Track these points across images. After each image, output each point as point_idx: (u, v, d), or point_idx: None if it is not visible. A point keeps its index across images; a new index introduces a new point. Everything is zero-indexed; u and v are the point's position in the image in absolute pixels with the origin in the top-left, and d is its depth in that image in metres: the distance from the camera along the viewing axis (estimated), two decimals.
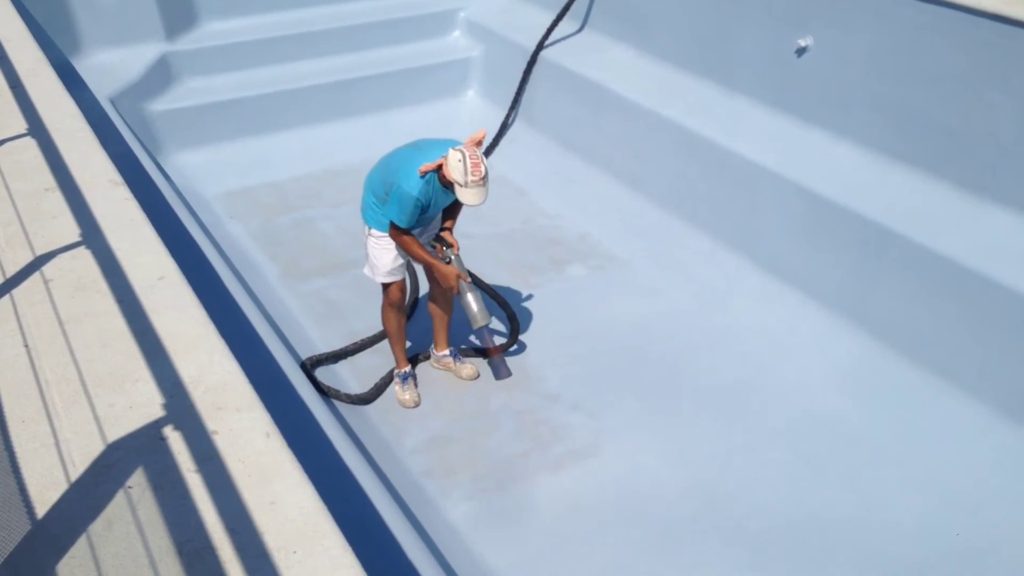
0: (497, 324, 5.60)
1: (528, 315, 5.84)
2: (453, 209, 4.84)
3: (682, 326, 5.74)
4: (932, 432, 4.79)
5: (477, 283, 5.00)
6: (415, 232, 4.70)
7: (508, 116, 8.03)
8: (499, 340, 5.32)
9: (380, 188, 4.63)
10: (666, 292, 6.07)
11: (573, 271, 6.37)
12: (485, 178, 4.33)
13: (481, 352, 5.43)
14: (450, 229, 4.85)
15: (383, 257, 4.80)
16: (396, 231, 4.61)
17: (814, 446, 4.80)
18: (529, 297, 6.01)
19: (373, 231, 4.77)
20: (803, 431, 4.89)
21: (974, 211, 5.06)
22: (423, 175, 4.42)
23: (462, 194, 4.35)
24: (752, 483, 4.61)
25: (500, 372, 5.06)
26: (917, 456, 4.67)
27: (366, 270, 4.96)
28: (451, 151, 4.33)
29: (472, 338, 5.48)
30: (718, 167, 6.26)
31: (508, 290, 6.04)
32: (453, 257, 4.78)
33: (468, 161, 4.28)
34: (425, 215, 4.62)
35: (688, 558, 4.24)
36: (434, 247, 4.84)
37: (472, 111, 8.41)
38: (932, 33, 5.14)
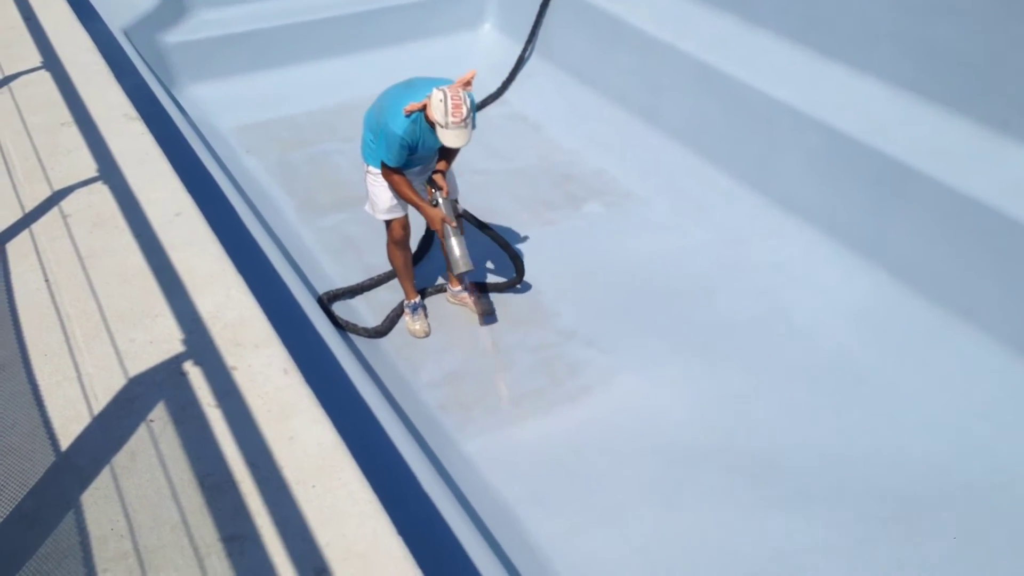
0: (502, 269, 5.58)
1: (543, 251, 5.83)
2: (448, 150, 4.80)
3: (698, 263, 5.72)
4: (949, 371, 4.78)
5: (476, 223, 4.98)
6: (413, 171, 4.68)
7: (524, 50, 7.93)
8: (493, 279, 5.34)
9: (375, 125, 4.62)
10: (682, 229, 6.04)
11: (589, 208, 6.35)
12: (467, 120, 4.26)
13: (495, 288, 5.46)
14: (443, 172, 4.81)
15: (382, 195, 4.81)
16: (387, 170, 4.60)
17: (829, 384, 4.81)
18: (545, 234, 6.00)
19: (371, 168, 4.77)
20: (818, 369, 4.90)
21: (999, 149, 4.98)
22: (408, 114, 4.37)
23: (443, 135, 4.30)
24: (766, 420, 4.63)
25: (480, 318, 5.13)
26: (933, 395, 4.67)
27: (367, 207, 4.97)
28: (434, 91, 4.28)
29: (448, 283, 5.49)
30: (736, 102, 6.17)
31: (523, 226, 6.03)
32: (441, 200, 4.76)
33: (449, 102, 4.21)
34: (415, 155, 4.59)
35: (701, 493, 4.28)
36: (427, 189, 4.83)
37: (488, 45, 8.30)
38: None
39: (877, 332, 5.07)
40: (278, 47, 7.85)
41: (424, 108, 4.34)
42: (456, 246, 4.78)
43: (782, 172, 5.93)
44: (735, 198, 6.14)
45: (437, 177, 4.80)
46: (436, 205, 4.76)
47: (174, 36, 7.59)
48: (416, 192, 4.71)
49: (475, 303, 5.33)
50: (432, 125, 4.37)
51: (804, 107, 5.74)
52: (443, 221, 4.71)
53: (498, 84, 7.73)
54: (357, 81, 7.69)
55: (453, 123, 4.24)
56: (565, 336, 5.20)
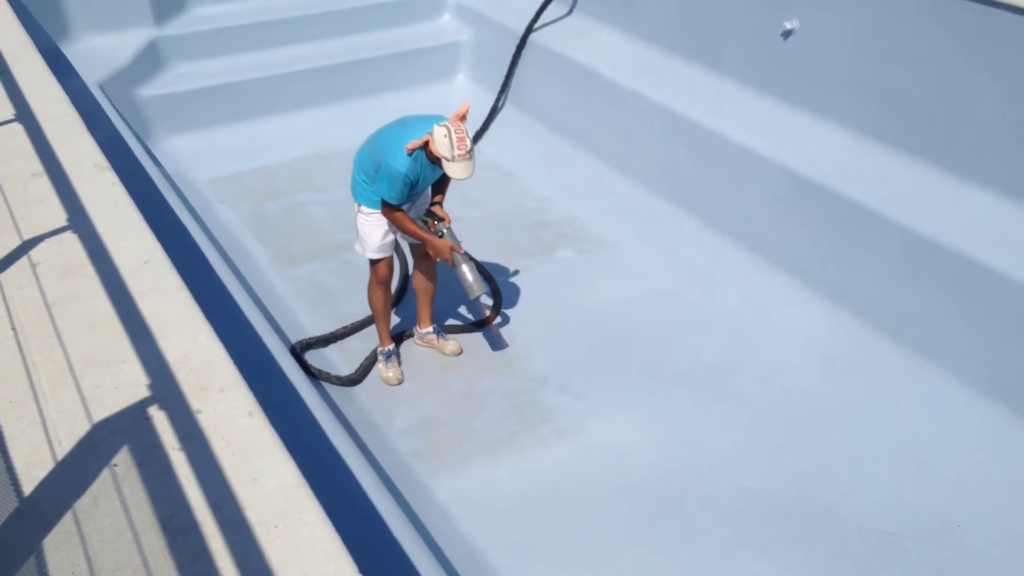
0: (485, 299, 5.65)
1: (516, 298, 5.88)
2: (441, 184, 4.93)
3: (668, 307, 5.79)
4: (913, 409, 4.85)
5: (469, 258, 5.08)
6: (405, 208, 4.77)
7: (498, 100, 8.06)
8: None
9: (369, 166, 4.71)
10: (652, 274, 6.11)
11: (561, 254, 6.41)
12: (471, 152, 4.41)
13: (472, 326, 5.51)
14: (440, 203, 4.94)
15: (373, 234, 4.88)
16: (388, 208, 4.68)
17: (797, 424, 4.85)
18: (517, 280, 6.05)
19: (363, 208, 4.85)
20: (787, 410, 4.95)
21: (956, 192, 5.10)
22: (410, 152, 4.49)
23: (450, 168, 4.42)
24: (737, 462, 4.66)
25: (497, 343, 5.17)
26: (898, 433, 4.73)
27: (357, 246, 5.05)
28: (436, 127, 4.41)
29: (463, 311, 5.52)
30: (704, 149, 6.29)
31: (496, 273, 6.08)
32: (445, 231, 4.88)
33: (454, 136, 4.35)
34: (414, 191, 4.70)
35: (673, 536, 4.29)
36: (425, 222, 4.92)
37: (462, 95, 8.42)
38: (916, 15, 5.18)
39: (843, 372, 5.14)
40: (254, 99, 7.94)
41: (426, 144, 4.46)
42: (468, 272, 4.89)
43: (749, 217, 6.03)
44: (703, 242, 6.23)
45: (437, 209, 4.93)
46: (441, 236, 4.87)
47: (149, 89, 7.66)
48: (419, 225, 4.81)
49: (441, 344, 5.38)
50: (434, 160, 4.50)
51: (769, 153, 5.86)
52: (452, 250, 4.82)
53: (472, 133, 7.81)
54: (332, 132, 7.80)
55: (459, 155, 4.38)
56: (538, 382, 5.23)
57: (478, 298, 4.97)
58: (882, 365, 5.10)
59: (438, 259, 4.90)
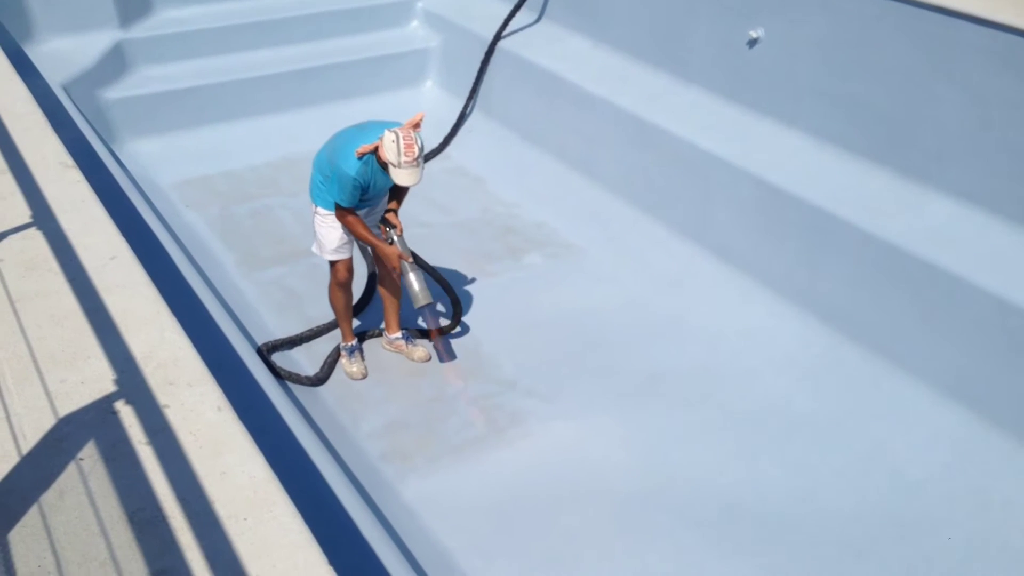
0: (442, 308, 5.66)
1: (485, 303, 5.89)
2: (397, 191, 4.93)
3: (636, 313, 5.82)
4: (879, 414, 4.90)
5: (420, 265, 5.07)
6: (361, 212, 4.77)
7: (466, 106, 8.07)
8: (443, 322, 5.42)
9: (326, 167, 4.72)
10: (621, 280, 6.14)
11: (530, 259, 6.43)
12: (418, 159, 4.42)
13: (425, 334, 5.49)
14: (395, 211, 4.94)
15: (329, 235, 4.87)
16: (341, 211, 4.69)
17: (764, 429, 4.89)
18: (486, 285, 6.06)
19: (320, 209, 4.84)
20: (753, 414, 4.98)
21: (919, 199, 5.19)
22: (360, 156, 4.50)
23: (395, 174, 4.44)
24: (704, 465, 4.68)
25: (442, 356, 5.18)
26: (864, 437, 4.78)
27: (314, 247, 5.04)
28: (386, 132, 4.43)
29: (420, 320, 5.53)
30: (671, 156, 6.35)
31: (465, 278, 6.09)
32: (396, 238, 4.89)
33: (401, 142, 4.37)
34: (367, 195, 4.70)
35: (640, 538, 4.30)
36: (380, 228, 4.91)
37: (430, 101, 8.43)
38: (879, 25, 5.27)
39: (810, 377, 5.19)
40: (221, 103, 7.89)
41: (376, 150, 4.46)
42: (415, 280, 4.89)
43: (716, 222, 6.08)
44: (671, 248, 6.28)
45: (391, 216, 4.92)
46: (392, 243, 4.88)
47: (115, 92, 7.59)
48: (371, 231, 4.79)
49: (409, 350, 5.37)
50: (384, 166, 4.50)
51: (736, 160, 5.92)
52: (400, 258, 4.82)
53: (440, 139, 7.84)
54: (301, 136, 7.73)
55: (406, 162, 4.38)
56: (506, 386, 5.23)
57: (423, 308, 4.96)
58: (848, 370, 5.16)
59: (389, 267, 4.90)
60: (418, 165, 4.44)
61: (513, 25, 7.89)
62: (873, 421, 4.87)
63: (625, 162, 6.76)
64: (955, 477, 4.53)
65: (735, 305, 5.75)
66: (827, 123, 5.65)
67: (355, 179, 4.52)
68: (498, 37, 7.88)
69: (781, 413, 4.98)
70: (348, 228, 4.75)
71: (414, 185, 4.54)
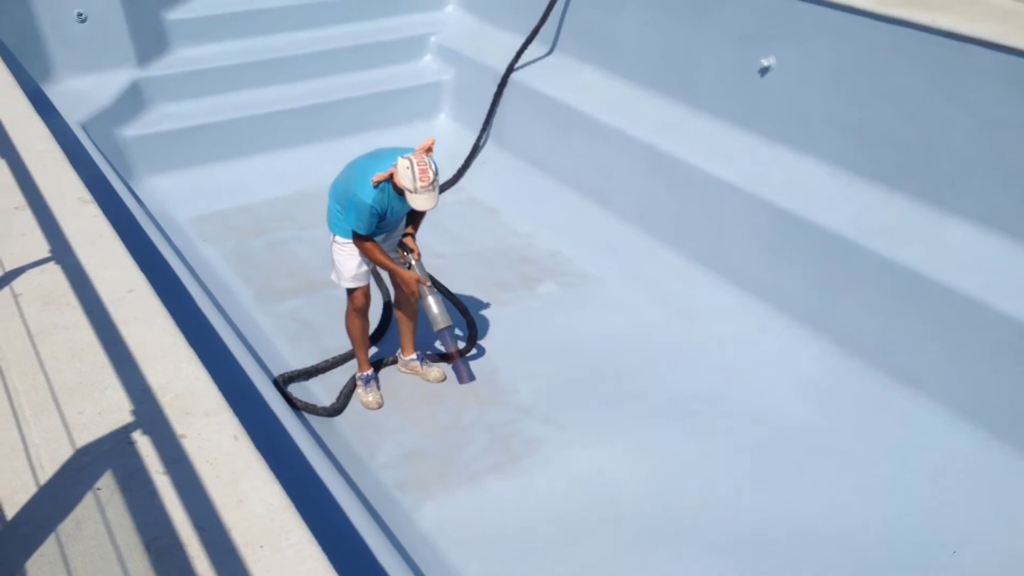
0: (459, 332, 5.67)
1: (500, 331, 5.89)
2: (414, 216, 4.98)
3: (652, 340, 5.81)
4: (896, 438, 4.87)
5: (439, 288, 5.11)
6: (379, 239, 4.82)
7: (479, 138, 8.13)
8: (462, 344, 5.44)
9: (342, 196, 4.76)
10: (636, 307, 6.14)
11: (544, 288, 6.44)
12: (434, 183, 4.47)
13: (444, 357, 5.51)
14: (412, 235, 4.99)
15: (347, 263, 4.90)
16: (358, 239, 4.73)
17: (781, 455, 4.86)
18: (501, 314, 6.07)
19: (337, 238, 4.89)
20: (770, 440, 4.96)
21: (934, 223, 5.17)
22: (376, 184, 4.54)
23: (412, 200, 4.49)
24: (720, 492, 4.66)
25: (462, 377, 5.20)
26: (882, 462, 4.74)
27: (333, 276, 5.07)
28: (400, 159, 4.48)
29: (438, 344, 5.54)
30: (685, 184, 6.36)
31: (480, 307, 6.10)
32: (414, 262, 4.93)
33: (416, 168, 4.42)
34: (384, 222, 4.74)
35: (657, 565, 4.27)
36: (399, 253, 4.95)
37: (444, 133, 8.48)
38: (890, 51, 5.28)
39: (826, 402, 5.16)
40: (236, 139, 7.97)
41: (391, 177, 4.50)
42: (433, 304, 4.92)
43: (731, 250, 6.08)
44: (686, 276, 6.27)
45: (408, 240, 4.97)
46: (410, 268, 4.91)
47: (132, 130, 7.68)
48: (389, 256, 4.84)
49: (425, 371, 5.37)
50: (400, 192, 4.56)
51: (750, 187, 5.93)
52: (418, 282, 4.85)
53: (454, 171, 7.89)
54: (315, 170, 7.80)
55: (422, 187, 4.43)
56: (522, 413, 5.22)
57: (443, 331, 4.98)
58: (865, 394, 5.13)
59: (407, 291, 4.93)
60: (434, 189, 4.49)
61: (525, 57, 7.96)
62: (891, 445, 4.83)
63: (639, 191, 6.78)
64: (973, 499, 4.49)
65: (751, 331, 5.74)
66: (841, 149, 5.65)
67: (372, 207, 4.56)
68: (510, 69, 7.95)
69: (798, 438, 4.95)
70: (367, 255, 4.79)
71: (431, 209, 4.58)
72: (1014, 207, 4.83)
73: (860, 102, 5.49)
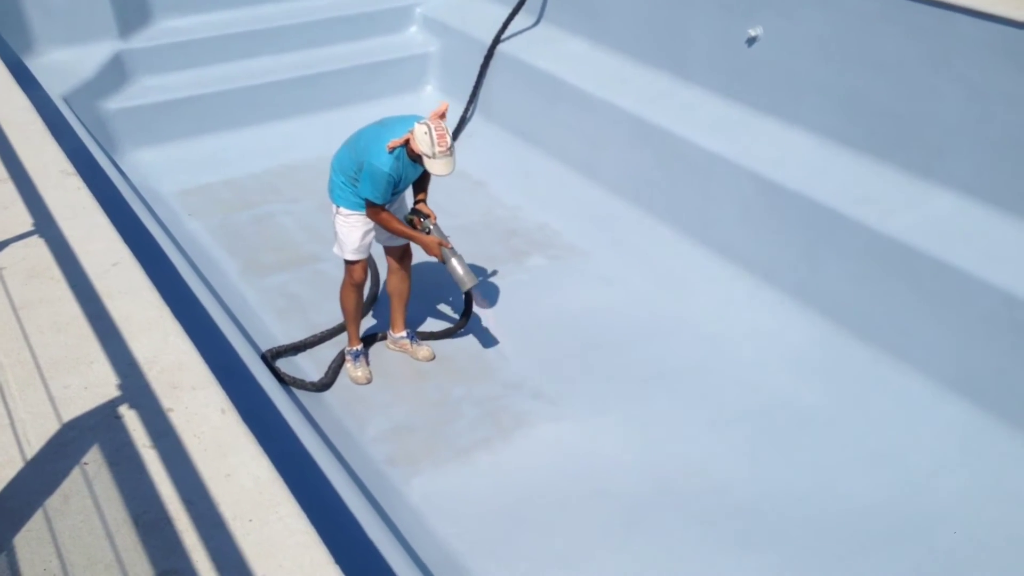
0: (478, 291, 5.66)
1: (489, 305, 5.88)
2: (422, 182, 4.97)
3: (641, 313, 5.81)
4: (884, 409, 4.89)
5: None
6: (390, 207, 4.81)
7: (466, 110, 8.08)
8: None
9: (350, 167, 4.73)
10: (624, 280, 6.13)
11: (533, 261, 6.42)
12: (452, 148, 4.47)
13: (444, 333, 5.57)
14: (423, 201, 4.98)
15: (351, 235, 4.88)
16: (373, 209, 4.70)
17: (770, 426, 4.88)
18: (489, 288, 6.05)
19: (342, 209, 4.85)
20: (759, 411, 4.97)
21: (921, 193, 5.17)
22: (391, 151, 4.52)
23: (431, 165, 4.47)
24: (711, 463, 4.68)
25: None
26: (870, 432, 4.77)
27: (335, 248, 5.05)
28: (417, 125, 4.46)
29: (431, 322, 5.53)
30: (673, 156, 6.34)
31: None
32: (432, 227, 4.93)
33: (434, 133, 4.40)
34: (396, 190, 4.73)
35: (649, 536, 4.29)
36: (411, 221, 4.96)
37: (430, 105, 8.21)
38: (878, 21, 5.25)
39: (816, 373, 5.17)
40: (220, 111, 7.89)
41: (407, 143, 4.49)
42: (458, 265, 4.93)
43: (719, 221, 6.07)
44: (675, 248, 6.27)
45: (423, 206, 4.97)
46: (429, 232, 4.92)
47: (115, 102, 7.59)
48: (404, 223, 4.83)
49: (414, 349, 5.36)
50: (415, 158, 4.55)
51: (737, 158, 5.91)
52: (440, 245, 4.86)
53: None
54: (301, 143, 7.78)
55: (440, 152, 4.42)
56: (511, 387, 5.22)
57: (470, 290, 5.00)
58: (852, 365, 5.14)
59: (429, 255, 4.94)
60: (452, 154, 4.48)
61: (512, 28, 7.88)
62: (879, 417, 4.85)
63: (627, 163, 6.75)
64: (962, 471, 4.52)
65: (739, 303, 5.74)
66: (828, 120, 5.64)
67: (389, 174, 4.55)
68: (497, 40, 7.88)
69: (787, 410, 4.97)
70: (383, 225, 4.77)
71: (449, 174, 4.55)
72: (1001, 177, 4.83)
73: (847, 72, 5.47)
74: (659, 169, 6.48)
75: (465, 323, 5.43)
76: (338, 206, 4.87)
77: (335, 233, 4.97)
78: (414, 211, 4.98)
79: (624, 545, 4.25)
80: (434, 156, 4.43)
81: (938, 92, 5.02)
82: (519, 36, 7.90)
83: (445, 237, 4.95)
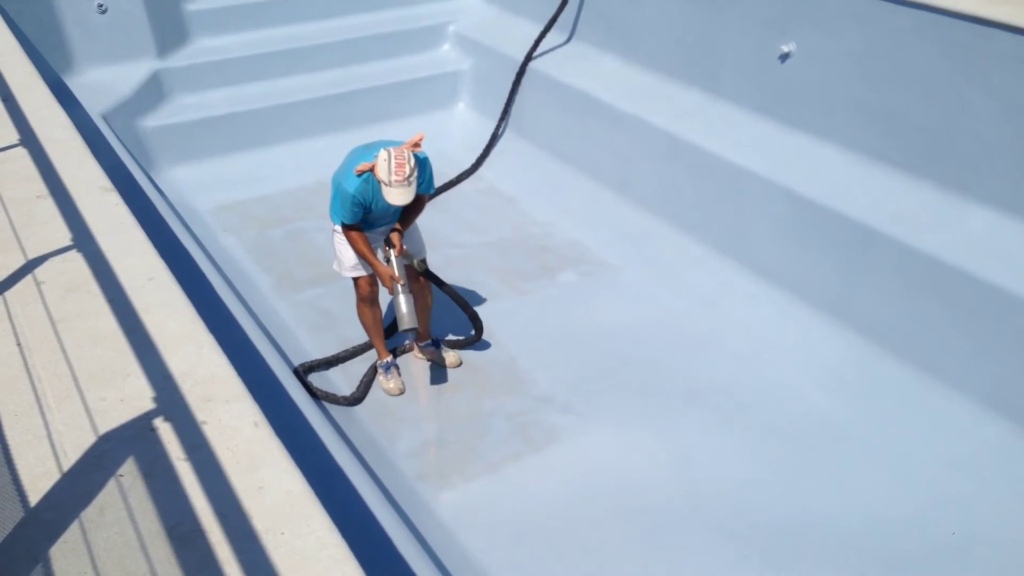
0: (461, 328, 5.69)
1: (519, 320, 5.89)
2: (408, 212, 4.93)
3: (672, 329, 5.79)
4: (919, 428, 4.83)
5: (435, 281, 5.07)
6: (378, 231, 4.88)
7: (498, 127, 8.11)
8: (429, 348, 5.46)
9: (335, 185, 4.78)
10: (656, 296, 6.11)
11: (564, 277, 6.42)
12: (409, 178, 4.43)
13: (458, 345, 5.57)
14: (399, 231, 4.92)
15: (347, 251, 4.96)
16: (345, 228, 4.75)
17: (803, 444, 4.83)
18: (521, 303, 6.06)
19: (336, 227, 4.91)
20: (792, 429, 4.93)
21: (956, 209, 5.12)
22: (359, 174, 4.54)
23: (386, 192, 4.46)
24: (742, 481, 4.64)
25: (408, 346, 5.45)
26: (904, 452, 4.71)
27: (334, 265, 5.09)
28: (381, 151, 4.46)
29: (405, 343, 5.59)
30: (705, 172, 6.32)
31: (499, 296, 6.09)
32: (393, 258, 4.87)
33: (393, 161, 4.40)
34: (372, 214, 4.74)
35: (678, 554, 4.26)
36: (383, 247, 4.97)
37: (462, 123, 8.49)
38: (912, 36, 5.22)
39: (849, 391, 5.12)
40: (256, 129, 7.99)
41: (373, 168, 4.49)
42: (403, 303, 4.87)
43: (751, 238, 6.04)
44: (706, 264, 6.24)
45: (393, 236, 4.92)
46: (388, 262, 4.86)
47: (153, 120, 7.71)
48: (372, 250, 4.83)
49: (441, 356, 5.42)
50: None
51: (770, 175, 5.88)
52: (391, 279, 4.81)
53: (472, 160, 7.88)
54: (335, 160, 7.63)
55: (396, 181, 4.41)
56: (542, 402, 5.22)
57: (408, 331, 4.95)
58: (886, 383, 5.09)
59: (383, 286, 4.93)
60: (408, 184, 4.43)
61: (544, 46, 7.93)
62: (913, 435, 4.80)
63: (658, 179, 6.75)
64: (997, 490, 4.46)
65: (772, 320, 5.71)
66: (862, 136, 5.60)
67: (353, 196, 4.57)
68: (529, 58, 7.92)
69: (820, 428, 4.92)
70: (351, 243, 4.80)
71: (404, 204, 4.53)
72: None
73: (881, 88, 5.43)
74: (690, 185, 6.47)
75: (479, 329, 5.38)
76: (334, 223, 4.92)
77: (334, 250, 5.02)
78: (386, 239, 4.94)
79: (653, 563, 4.22)
80: (390, 184, 4.42)
81: (973, 107, 4.98)
82: (551, 53, 7.93)
83: (403, 273, 4.86)
